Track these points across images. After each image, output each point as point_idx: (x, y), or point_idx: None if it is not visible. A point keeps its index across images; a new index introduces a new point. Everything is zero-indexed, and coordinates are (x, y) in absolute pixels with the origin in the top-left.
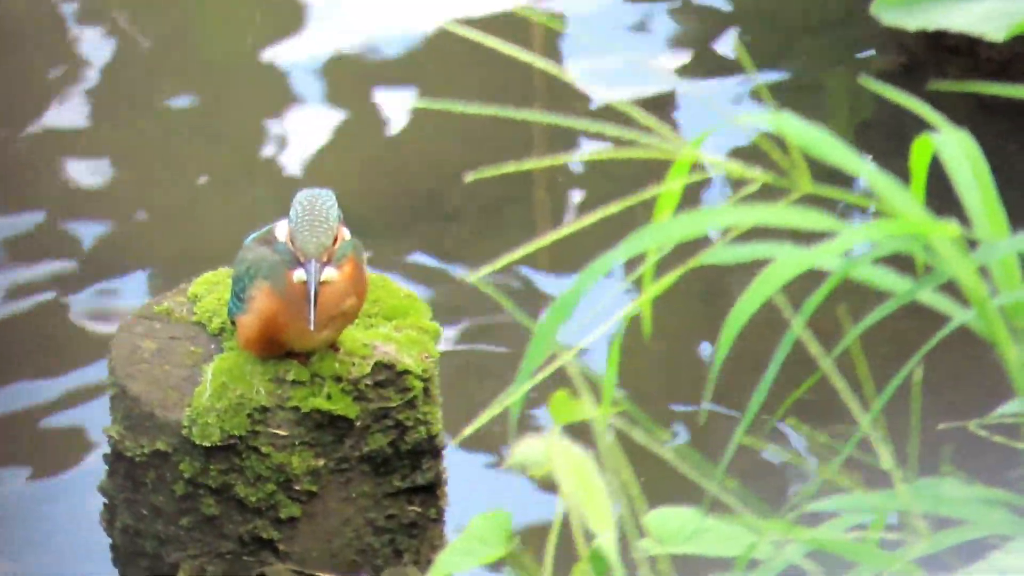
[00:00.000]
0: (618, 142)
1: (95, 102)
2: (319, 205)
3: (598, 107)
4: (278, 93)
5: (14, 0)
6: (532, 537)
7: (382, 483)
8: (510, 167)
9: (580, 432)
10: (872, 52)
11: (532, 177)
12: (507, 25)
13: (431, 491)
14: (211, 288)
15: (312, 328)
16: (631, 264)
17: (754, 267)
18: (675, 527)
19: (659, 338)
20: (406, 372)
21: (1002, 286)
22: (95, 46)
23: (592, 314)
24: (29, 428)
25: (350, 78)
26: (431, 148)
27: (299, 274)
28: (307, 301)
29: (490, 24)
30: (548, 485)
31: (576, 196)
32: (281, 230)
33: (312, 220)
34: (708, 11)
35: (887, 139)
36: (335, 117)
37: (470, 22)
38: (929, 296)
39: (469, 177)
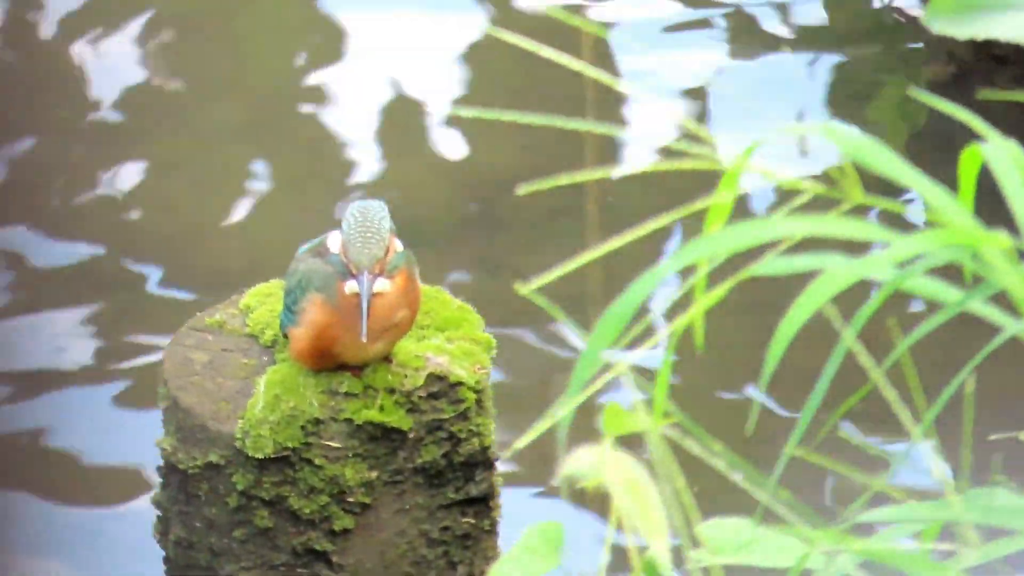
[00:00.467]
0: (668, 152)
1: (143, 117)
2: (371, 216)
3: (650, 115)
4: (329, 104)
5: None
6: (585, 548)
7: (436, 495)
8: (563, 179)
9: (632, 443)
10: (922, 61)
11: (582, 187)
12: (554, 28)
13: (485, 503)
14: (263, 300)
15: (364, 340)
16: (683, 275)
17: (805, 278)
18: (728, 537)
19: (710, 349)
20: (459, 384)
21: None
22: (143, 62)
23: (643, 325)
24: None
25: (399, 89)
26: (481, 158)
27: (351, 286)
28: (359, 313)
29: (537, 27)
30: (601, 496)
31: (626, 207)
32: (334, 241)
33: (364, 232)
34: (758, 20)
35: (937, 148)
36: (385, 128)
37: (516, 24)
38: (980, 306)
39: (522, 189)
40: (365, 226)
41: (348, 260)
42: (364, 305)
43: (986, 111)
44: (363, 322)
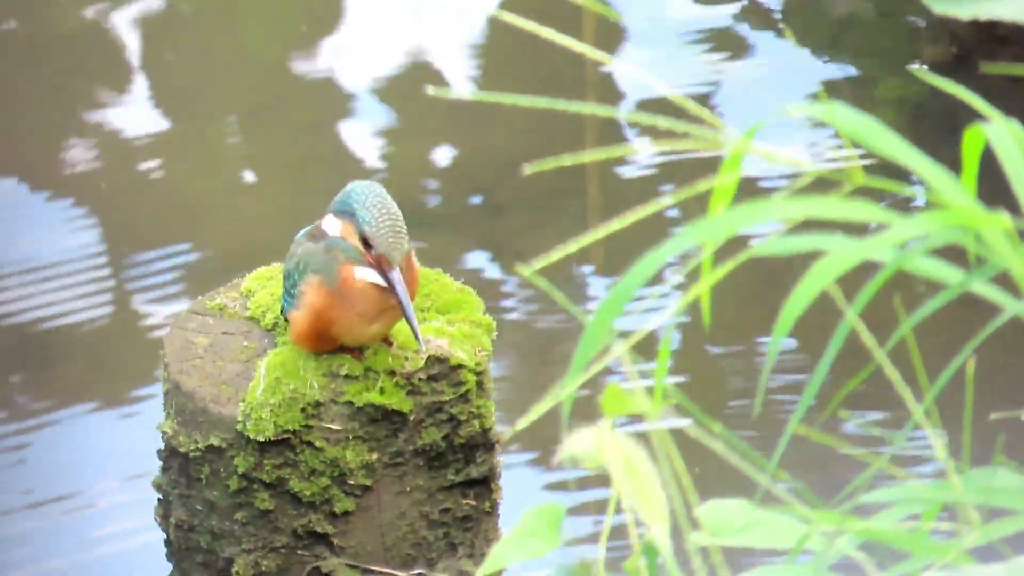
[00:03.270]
0: (671, 134)
1: (150, 100)
2: (390, 205)
3: (650, 98)
4: (330, 88)
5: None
6: (584, 530)
7: (436, 477)
8: (567, 160)
9: (632, 424)
10: (924, 42)
11: (584, 169)
12: (557, 11)
13: (485, 484)
14: (264, 283)
15: (423, 348)
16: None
17: (808, 258)
18: (727, 519)
19: (713, 330)
20: (459, 366)
21: None
22: (149, 44)
23: (645, 307)
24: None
25: (401, 72)
26: (482, 140)
27: (366, 274)
28: (364, 299)
29: (540, 11)
30: (600, 477)
31: (629, 188)
32: (329, 224)
33: (392, 224)
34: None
35: (939, 129)
36: (387, 111)
37: (519, 11)
38: (982, 287)
39: (527, 170)
40: (390, 217)
41: (378, 254)
42: (405, 301)
43: (988, 92)
44: (414, 325)
